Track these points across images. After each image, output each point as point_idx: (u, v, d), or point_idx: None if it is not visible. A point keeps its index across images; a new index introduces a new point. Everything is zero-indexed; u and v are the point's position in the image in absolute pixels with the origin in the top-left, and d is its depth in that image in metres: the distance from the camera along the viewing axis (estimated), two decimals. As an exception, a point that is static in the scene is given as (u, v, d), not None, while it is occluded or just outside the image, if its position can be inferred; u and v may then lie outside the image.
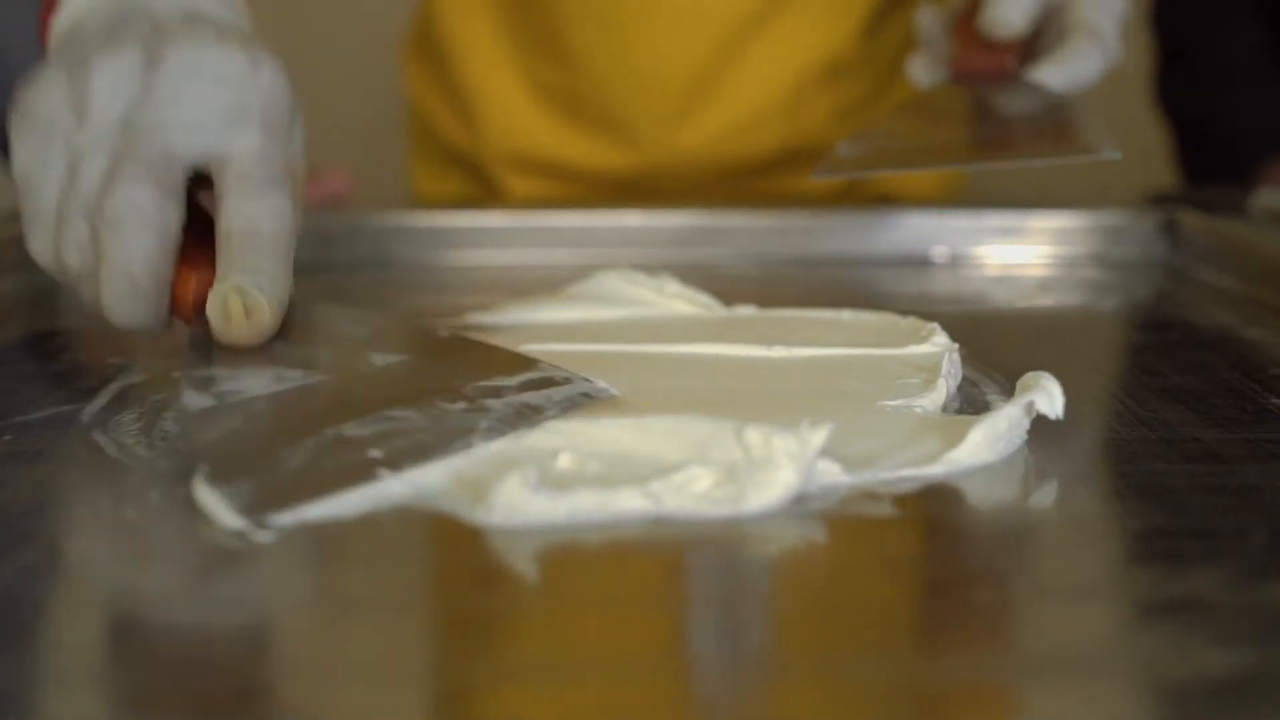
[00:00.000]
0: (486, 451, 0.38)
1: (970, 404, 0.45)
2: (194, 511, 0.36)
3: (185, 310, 0.45)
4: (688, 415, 0.38)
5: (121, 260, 0.43)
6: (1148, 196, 0.81)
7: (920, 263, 0.74)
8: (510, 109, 0.89)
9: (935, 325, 0.49)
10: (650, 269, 0.59)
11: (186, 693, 0.27)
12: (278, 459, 0.37)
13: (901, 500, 0.36)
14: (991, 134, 0.66)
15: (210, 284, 0.43)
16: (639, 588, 0.32)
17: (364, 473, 0.36)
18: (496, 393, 0.42)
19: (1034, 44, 0.71)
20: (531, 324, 0.56)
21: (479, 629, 0.30)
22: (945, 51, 0.73)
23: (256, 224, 0.44)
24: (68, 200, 0.44)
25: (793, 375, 0.46)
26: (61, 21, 0.51)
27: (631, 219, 0.75)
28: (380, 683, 0.27)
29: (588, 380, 0.43)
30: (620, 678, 0.28)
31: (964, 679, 0.28)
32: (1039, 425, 0.41)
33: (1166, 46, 1.07)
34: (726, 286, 0.60)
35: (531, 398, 0.41)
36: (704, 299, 0.56)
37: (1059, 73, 0.68)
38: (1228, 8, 1.03)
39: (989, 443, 0.39)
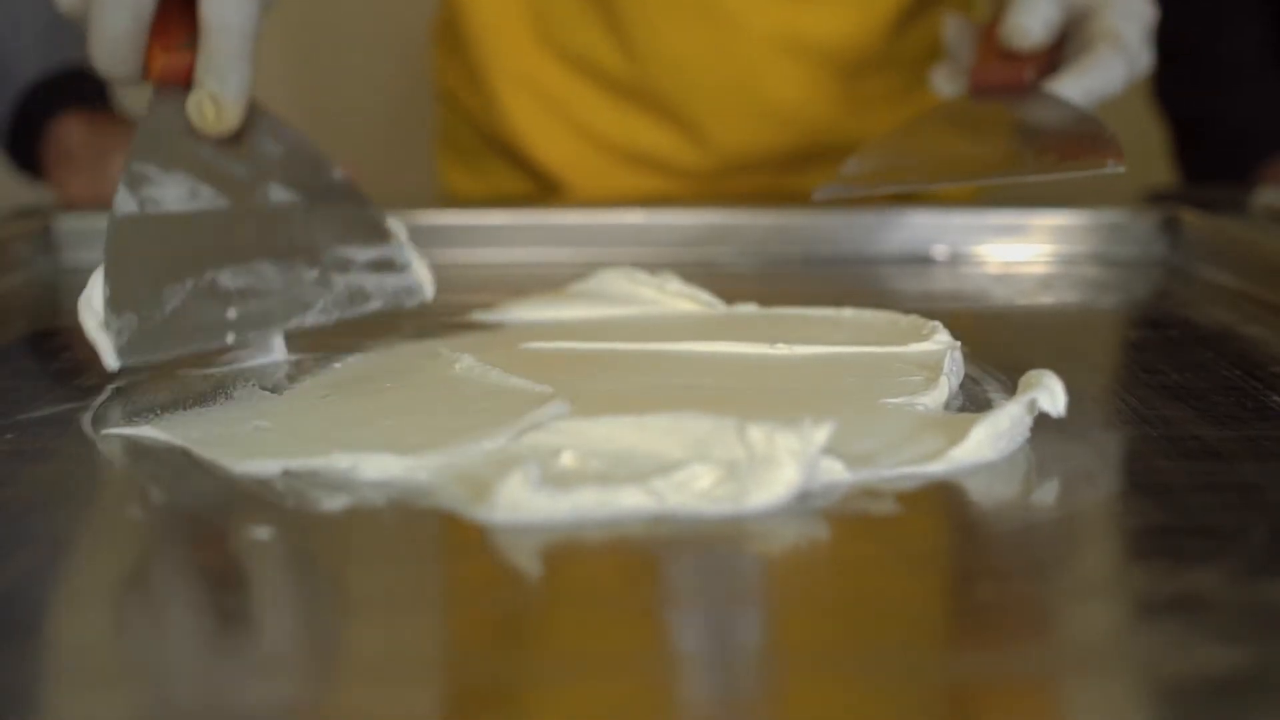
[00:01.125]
0: (486, 449, 0.38)
1: (972, 402, 0.45)
2: (194, 509, 0.36)
3: (151, 76, 0.52)
4: (689, 413, 0.38)
5: (105, 30, 0.52)
6: (1148, 195, 0.81)
7: (921, 261, 0.74)
8: (533, 82, 0.89)
9: (937, 324, 0.49)
10: (652, 267, 0.59)
11: (190, 691, 0.27)
12: (160, 297, 0.46)
13: (904, 498, 0.36)
14: (997, 149, 0.65)
15: (175, 54, 0.52)
16: (641, 586, 0.32)
17: (217, 334, 0.46)
18: (345, 266, 0.51)
19: (1057, 53, 0.70)
20: (533, 322, 0.56)
21: (488, 628, 0.30)
22: (969, 62, 0.73)
23: (226, 20, 0.51)
24: None
25: (794, 373, 0.46)
26: None
27: (633, 217, 0.75)
28: (390, 682, 0.27)
29: (425, 275, 0.53)
30: (627, 676, 0.28)
31: (966, 677, 0.28)
32: (1041, 423, 0.41)
33: (1166, 45, 1.07)
34: (728, 285, 0.60)
35: (368, 281, 0.51)
36: (705, 297, 0.57)
37: (1078, 83, 0.67)
38: (1228, 6, 1.03)
39: (991, 440, 0.39)
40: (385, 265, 0.52)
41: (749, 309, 0.56)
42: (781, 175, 0.89)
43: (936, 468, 0.38)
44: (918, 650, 0.29)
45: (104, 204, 0.77)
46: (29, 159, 0.83)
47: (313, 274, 0.50)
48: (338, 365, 0.49)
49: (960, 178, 0.61)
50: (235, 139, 0.52)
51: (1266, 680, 0.27)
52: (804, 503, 0.35)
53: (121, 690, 0.27)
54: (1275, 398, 0.45)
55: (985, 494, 0.37)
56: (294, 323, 0.48)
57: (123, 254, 0.47)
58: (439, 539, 0.35)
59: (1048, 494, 0.38)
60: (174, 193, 0.49)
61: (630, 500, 0.35)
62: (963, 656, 0.29)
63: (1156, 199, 0.78)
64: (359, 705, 0.27)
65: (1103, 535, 0.36)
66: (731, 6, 0.84)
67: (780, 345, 0.48)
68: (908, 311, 0.51)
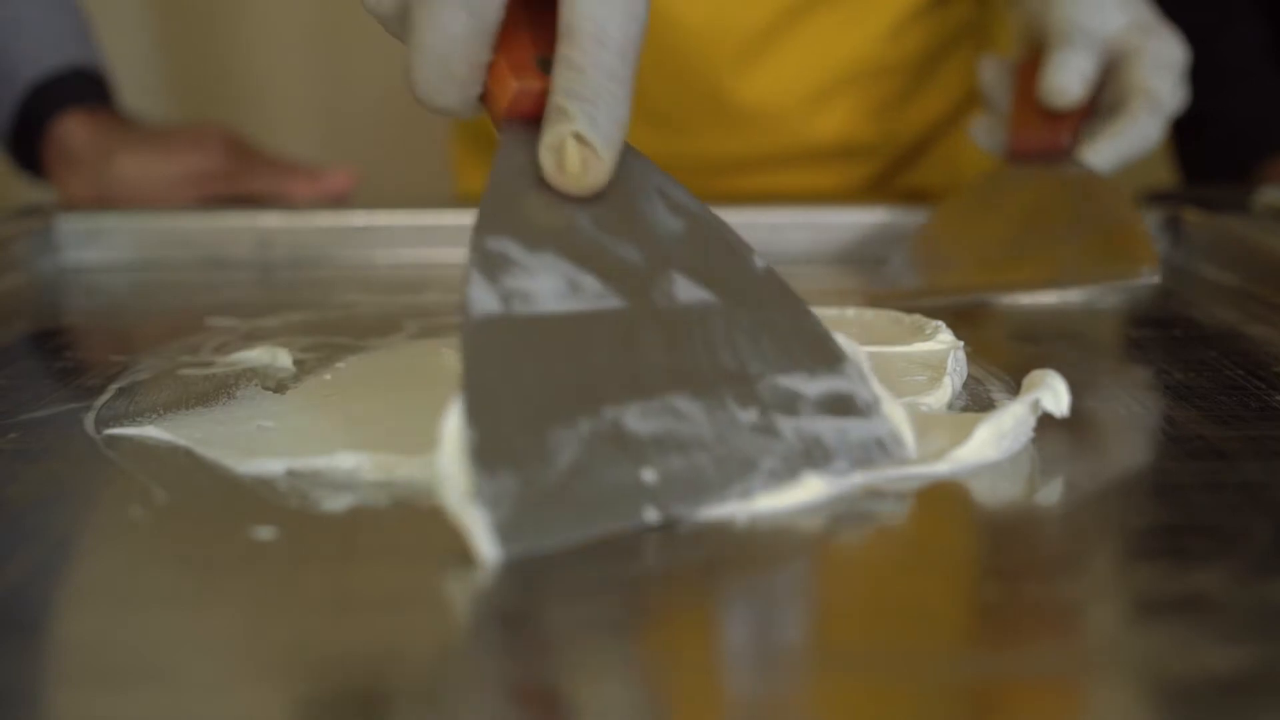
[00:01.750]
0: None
1: (975, 401, 0.45)
2: (197, 509, 0.36)
3: (496, 109, 0.39)
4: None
5: (432, 37, 0.37)
6: (1149, 194, 0.81)
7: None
8: None
9: (940, 323, 0.49)
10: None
11: (192, 690, 0.27)
12: (547, 449, 0.33)
13: (908, 497, 0.36)
14: (1040, 252, 0.66)
15: (531, 77, 0.38)
16: (646, 587, 0.32)
17: (630, 508, 0.33)
18: (792, 405, 0.37)
19: (1093, 101, 0.71)
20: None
21: (490, 627, 0.30)
22: (1006, 108, 0.74)
23: (604, 26, 0.37)
24: None
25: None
26: None
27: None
28: (391, 682, 0.27)
29: (886, 420, 0.38)
30: (640, 679, 0.28)
31: (968, 677, 0.28)
32: (1044, 423, 0.41)
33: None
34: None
35: (825, 429, 0.36)
36: None
37: (1113, 150, 0.69)
38: (1228, 5, 1.03)
39: (995, 440, 0.39)
40: (844, 406, 0.37)
41: None
42: (767, 177, 0.89)
43: (940, 468, 0.38)
44: (921, 650, 0.29)
45: (105, 204, 0.78)
46: (31, 158, 0.83)
47: (750, 415, 0.36)
48: (341, 365, 0.49)
49: (1004, 289, 0.61)
50: (620, 205, 0.38)
51: (1271, 680, 0.27)
52: (808, 502, 0.35)
53: (124, 690, 0.27)
54: (1278, 397, 0.45)
55: (989, 494, 0.37)
56: (735, 490, 0.34)
57: (489, 380, 0.33)
58: (443, 539, 0.34)
59: (1051, 494, 0.38)
60: (548, 284, 0.36)
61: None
62: (965, 656, 0.29)
63: (1158, 198, 0.78)
64: (359, 705, 0.27)
65: (1107, 535, 0.36)
66: (730, 12, 0.84)
67: None
68: (910, 311, 0.51)
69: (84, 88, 0.82)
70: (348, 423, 0.42)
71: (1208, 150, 1.03)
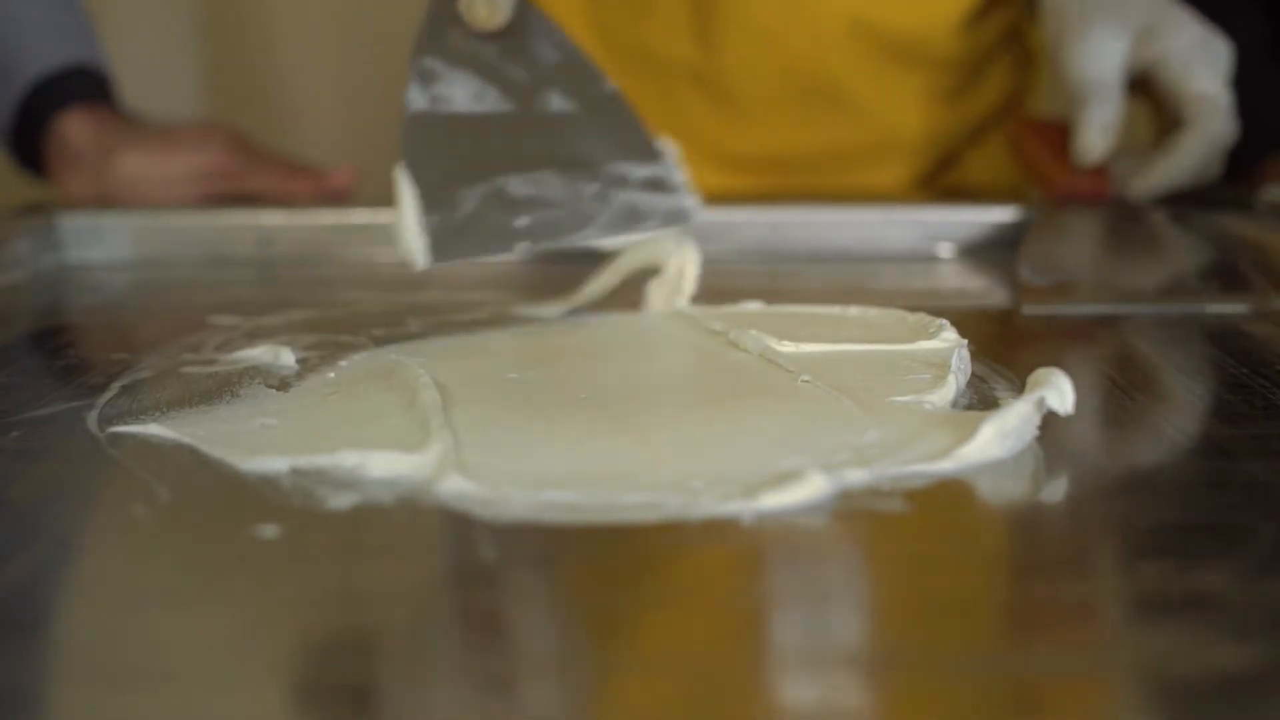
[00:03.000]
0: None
1: (980, 400, 0.45)
2: (200, 507, 0.36)
3: None
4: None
5: None
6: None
7: (927, 258, 0.74)
8: None
9: (944, 321, 0.49)
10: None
11: (194, 689, 0.27)
12: (455, 199, 0.47)
13: (912, 496, 0.36)
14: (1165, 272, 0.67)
15: None
16: (652, 585, 0.32)
17: (509, 240, 0.48)
18: (622, 182, 0.51)
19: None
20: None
21: (493, 627, 0.30)
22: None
23: None
24: None
25: (801, 371, 0.46)
26: None
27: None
28: (393, 680, 0.27)
29: (690, 196, 0.52)
30: (638, 676, 0.28)
31: (972, 675, 0.28)
32: (1049, 421, 0.41)
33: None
34: (732, 281, 0.60)
35: (643, 200, 0.51)
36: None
37: (1158, 175, 0.72)
38: (1228, 3, 1.03)
39: (999, 438, 0.39)
40: (658, 185, 0.52)
41: (754, 306, 0.56)
42: (834, 174, 0.89)
43: (944, 466, 0.38)
44: (922, 648, 0.29)
45: (107, 202, 0.78)
46: (32, 156, 0.83)
47: (593, 188, 0.50)
48: (344, 363, 0.49)
49: (1156, 299, 0.62)
50: (514, 40, 0.52)
51: (1277, 679, 0.27)
52: (812, 500, 0.35)
53: (126, 688, 0.27)
54: (1282, 396, 0.45)
55: (993, 492, 0.37)
56: (578, 237, 0.49)
57: (420, 153, 0.48)
58: (446, 537, 0.34)
59: (1056, 492, 0.38)
60: (461, 92, 0.50)
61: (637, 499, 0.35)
62: (967, 655, 0.29)
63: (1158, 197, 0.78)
64: (362, 702, 0.27)
65: (1111, 534, 0.36)
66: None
67: (786, 343, 0.48)
68: (914, 309, 0.51)
69: (85, 86, 0.82)
70: (352, 420, 0.42)
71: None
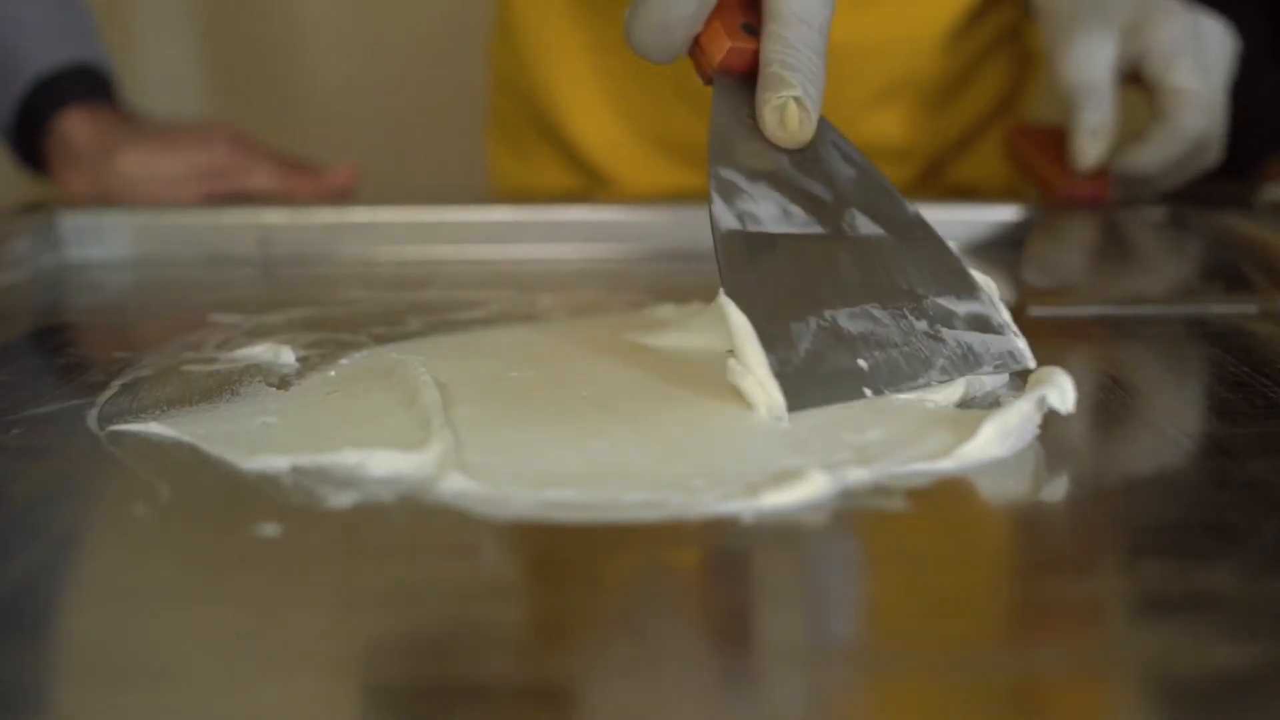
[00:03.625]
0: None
1: (981, 398, 0.45)
2: (201, 506, 0.36)
3: (707, 62, 0.47)
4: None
5: (659, 10, 0.45)
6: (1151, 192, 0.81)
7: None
8: (581, 73, 0.90)
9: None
10: (656, 261, 0.58)
11: (195, 688, 0.27)
12: (791, 337, 0.41)
13: (913, 494, 0.36)
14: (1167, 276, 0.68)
15: (740, 39, 0.46)
16: (653, 583, 0.32)
17: (853, 386, 0.41)
18: (949, 319, 0.45)
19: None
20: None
21: (493, 626, 0.30)
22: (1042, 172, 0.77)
23: (808, 8, 0.46)
24: None
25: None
26: None
27: (638, 213, 0.75)
28: (395, 680, 0.27)
29: (1016, 336, 0.46)
30: (637, 677, 0.28)
31: (972, 673, 0.28)
32: (1050, 420, 0.41)
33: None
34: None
35: (974, 340, 0.45)
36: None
37: (1144, 156, 0.72)
38: (1229, 3, 1.03)
39: (1000, 437, 0.39)
40: (984, 324, 0.46)
41: None
42: None
43: (945, 465, 0.38)
44: (923, 647, 0.29)
45: (108, 200, 0.77)
46: (34, 155, 0.83)
47: (922, 324, 0.44)
48: (344, 362, 0.49)
49: (1160, 301, 0.62)
50: (810, 154, 0.47)
51: (1277, 678, 0.27)
52: (813, 499, 0.35)
53: (128, 687, 0.27)
54: (1284, 394, 0.45)
55: (994, 491, 0.37)
56: (921, 381, 0.43)
57: (742, 279, 0.42)
58: (447, 535, 0.34)
59: (1056, 491, 0.38)
60: (768, 210, 0.45)
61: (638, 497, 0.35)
62: (968, 654, 0.29)
63: (1161, 196, 0.78)
64: (364, 701, 0.27)
65: (1112, 533, 0.36)
66: None
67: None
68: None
69: (87, 84, 0.81)
70: (352, 419, 0.42)
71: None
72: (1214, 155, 0.75)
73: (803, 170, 0.46)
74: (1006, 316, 0.46)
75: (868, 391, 0.41)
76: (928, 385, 0.42)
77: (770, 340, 0.41)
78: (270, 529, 0.34)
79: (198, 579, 0.32)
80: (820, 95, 0.46)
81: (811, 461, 0.37)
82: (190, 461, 0.39)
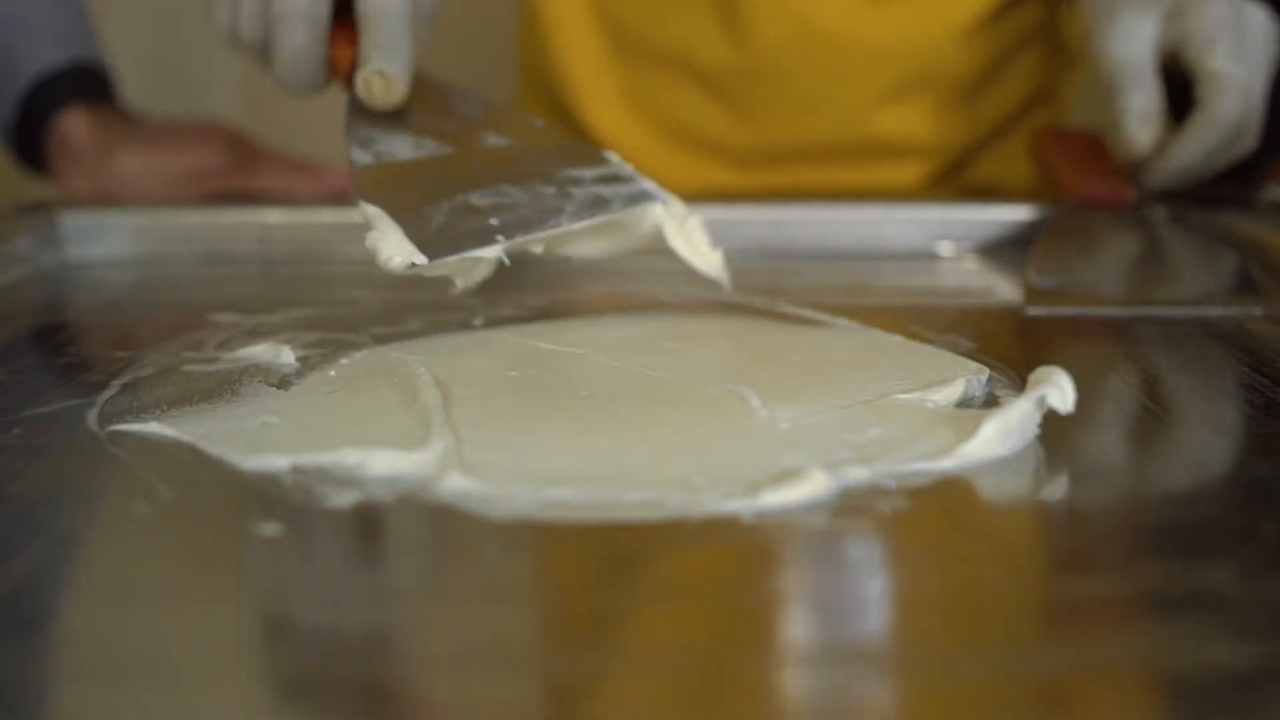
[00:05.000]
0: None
1: (981, 398, 0.45)
2: (202, 505, 0.36)
3: (339, 76, 0.58)
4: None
5: (287, 48, 0.56)
6: (1154, 192, 0.81)
7: (928, 257, 0.74)
8: (598, 63, 0.91)
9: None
10: (659, 260, 0.58)
11: (196, 687, 0.27)
12: (424, 216, 0.47)
13: (913, 493, 0.36)
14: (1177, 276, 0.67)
15: (350, 46, 0.56)
16: (646, 582, 0.32)
17: (486, 237, 0.47)
18: (578, 182, 0.52)
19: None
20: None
21: (494, 624, 0.30)
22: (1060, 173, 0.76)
23: (385, 5, 0.55)
24: None
25: (806, 367, 0.46)
26: None
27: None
28: (396, 678, 0.27)
29: (646, 181, 0.54)
30: (632, 673, 0.28)
31: (974, 674, 0.28)
32: (1050, 419, 0.41)
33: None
34: (734, 279, 0.60)
35: (604, 190, 0.52)
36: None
37: (1175, 157, 0.70)
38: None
39: (1000, 436, 0.39)
40: (613, 179, 0.53)
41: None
42: (841, 170, 0.89)
43: (946, 464, 0.38)
44: (923, 646, 0.29)
45: (108, 200, 0.77)
46: (33, 154, 0.83)
47: (550, 189, 0.51)
48: (345, 361, 0.49)
49: (1162, 302, 0.61)
50: (438, 103, 0.56)
51: (1278, 678, 0.27)
52: (813, 498, 0.35)
53: (128, 686, 0.27)
54: (1284, 394, 0.45)
55: (994, 490, 0.37)
56: (550, 226, 0.49)
57: (377, 190, 0.49)
58: (447, 535, 0.34)
59: (1057, 490, 0.38)
60: (401, 146, 0.52)
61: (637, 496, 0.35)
62: (971, 654, 0.29)
63: (1163, 196, 0.78)
64: (364, 701, 0.27)
65: (1113, 532, 0.36)
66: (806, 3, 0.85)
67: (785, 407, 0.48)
68: (917, 308, 0.51)
69: (86, 84, 0.81)
70: (353, 419, 0.42)
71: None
72: (1250, 142, 0.72)
73: (434, 116, 0.55)
74: (632, 170, 0.54)
75: (500, 238, 0.47)
76: (559, 228, 0.49)
77: (405, 222, 0.47)
78: (270, 529, 0.34)
79: (198, 579, 0.32)
80: (404, 61, 0.55)
81: (811, 461, 0.37)
82: (190, 461, 0.39)
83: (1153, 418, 0.43)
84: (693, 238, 0.55)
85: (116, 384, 0.47)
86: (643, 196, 0.53)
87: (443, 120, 0.55)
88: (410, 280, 0.66)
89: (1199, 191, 0.75)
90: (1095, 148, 0.78)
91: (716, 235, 0.72)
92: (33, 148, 0.82)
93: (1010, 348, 0.54)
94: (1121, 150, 0.71)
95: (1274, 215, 0.71)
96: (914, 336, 0.52)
